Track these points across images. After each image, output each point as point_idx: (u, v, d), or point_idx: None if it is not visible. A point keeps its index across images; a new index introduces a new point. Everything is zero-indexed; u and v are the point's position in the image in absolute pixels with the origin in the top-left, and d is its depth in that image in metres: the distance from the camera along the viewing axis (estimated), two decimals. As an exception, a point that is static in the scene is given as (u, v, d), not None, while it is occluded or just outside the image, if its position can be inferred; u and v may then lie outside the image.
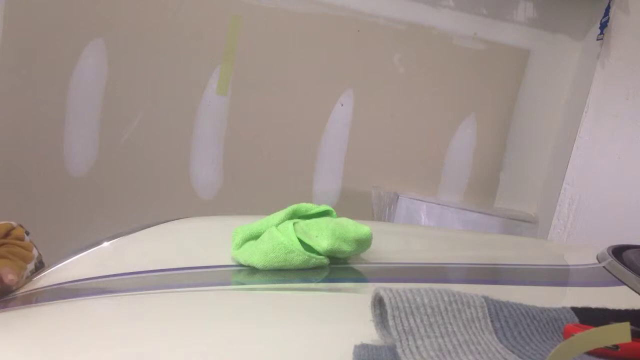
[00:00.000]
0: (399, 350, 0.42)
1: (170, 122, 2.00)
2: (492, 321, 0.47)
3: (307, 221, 0.78)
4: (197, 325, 0.54)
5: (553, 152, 2.09)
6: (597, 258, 0.94)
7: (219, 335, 0.52)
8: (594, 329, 0.38)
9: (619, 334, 0.37)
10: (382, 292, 0.46)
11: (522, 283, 0.83)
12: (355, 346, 0.45)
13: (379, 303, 0.47)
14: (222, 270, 0.76)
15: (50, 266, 0.80)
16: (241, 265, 0.75)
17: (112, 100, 1.97)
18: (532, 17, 2.03)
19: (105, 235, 0.87)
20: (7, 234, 0.84)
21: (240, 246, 0.77)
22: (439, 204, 1.99)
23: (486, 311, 0.47)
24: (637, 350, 0.45)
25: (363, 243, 0.78)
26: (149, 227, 0.90)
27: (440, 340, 0.43)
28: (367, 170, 2.09)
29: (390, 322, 0.44)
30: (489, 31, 2.03)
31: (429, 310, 0.45)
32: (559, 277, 0.92)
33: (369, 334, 0.47)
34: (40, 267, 0.85)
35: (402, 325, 0.43)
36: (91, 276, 0.73)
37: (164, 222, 0.92)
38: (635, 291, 0.75)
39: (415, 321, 0.44)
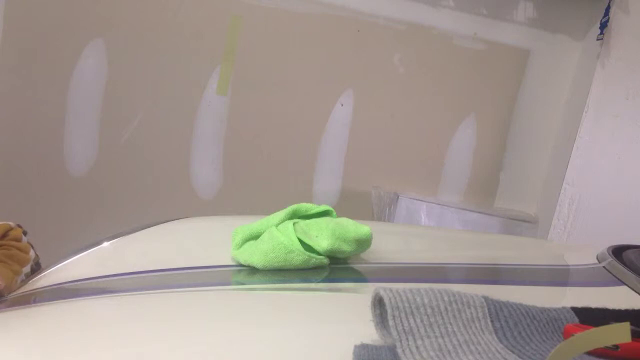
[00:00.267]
0: (399, 350, 0.42)
1: (170, 122, 2.00)
2: (492, 321, 0.47)
3: (307, 221, 0.78)
4: (197, 325, 0.54)
5: (553, 152, 2.09)
6: (597, 258, 0.94)
7: (219, 335, 0.52)
8: (594, 329, 0.38)
9: (619, 334, 0.37)
10: (382, 292, 0.46)
11: (522, 283, 0.83)
12: (355, 346, 0.45)
13: (379, 303, 0.47)
14: (222, 270, 0.76)
15: (50, 266, 0.80)
16: (241, 265, 0.75)
17: (112, 100, 1.97)
18: (532, 17, 2.03)
19: (105, 235, 0.87)
20: (4, 235, 0.84)
21: (240, 246, 0.77)
22: (439, 204, 1.99)
23: (486, 311, 0.47)
24: (637, 350, 0.45)
25: (363, 243, 0.78)
26: (149, 227, 0.90)
27: (440, 340, 0.43)
28: (367, 170, 2.09)
29: (390, 322, 0.44)
30: (489, 31, 2.04)
31: (429, 310, 0.45)
32: (559, 277, 0.92)
33: (369, 334, 0.47)
34: (36, 269, 0.85)
35: (402, 325, 0.43)
36: (91, 276, 0.73)
37: (164, 222, 0.92)
38: (635, 291, 0.75)
39: (415, 321, 0.44)
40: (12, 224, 0.87)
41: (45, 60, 1.92)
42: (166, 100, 1.99)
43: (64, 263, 0.79)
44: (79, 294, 0.71)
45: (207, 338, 0.51)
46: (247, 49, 1.99)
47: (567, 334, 0.48)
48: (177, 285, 0.71)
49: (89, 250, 0.81)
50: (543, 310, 0.50)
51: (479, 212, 1.98)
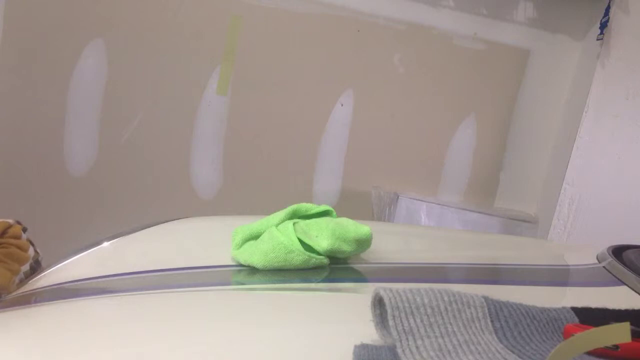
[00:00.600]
0: (399, 350, 0.42)
1: (170, 122, 2.00)
2: (492, 321, 0.47)
3: (307, 221, 0.78)
4: (197, 325, 0.54)
5: (553, 152, 2.09)
6: (597, 258, 0.94)
7: (219, 335, 0.52)
8: (594, 329, 0.38)
9: (619, 334, 0.37)
10: (382, 292, 0.46)
11: (522, 283, 0.83)
12: (355, 346, 0.45)
13: (379, 303, 0.47)
14: (222, 270, 0.76)
15: (50, 266, 0.80)
16: (241, 265, 0.75)
17: (112, 100, 1.97)
18: (532, 17, 2.03)
19: (105, 235, 0.87)
20: (3, 233, 0.83)
21: (240, 246, 0.77)
22: (439, 204, 1.99)
23: (486, 311, 0.47)
24: (637, 350, 0.45)
25: (363, 243, 0.78)
26: (149, 227, 0.90)
27: (440, 340, 0.43)
28: (367, 170, 2.09)
29: (390, 322, 0.44)
30: (489, 31, 2.04)
31: (429, 310, 0.45)
32: (559, 277, 0.92)
33: (369, 334, 0.47)
34: (36, 267, 0.84)
35: (402, 325, 0.43)
36: (91, 276, 0.73)
37: (164, 222, 0.92)
38: (635, 291, 0.75)
39: (415, 321, 0.44)
40: (11, 221, 0.86)
41: (45, 60, 1.92)
42: (166, 100, 1.99)
43: (64, 263, 0.79)
44: (79, 294, 0.71)
45: (207, 338, 0.51)
46: (247, 49, 1.99)
47: (567, 334, 0.48)
48: (177, 285, 0.71)
49: (89, 250, 0.81)
50: (543, 310, 0.50)
51: (479, 212, 1.98)
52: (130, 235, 0.85)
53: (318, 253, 0.73)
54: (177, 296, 0.66)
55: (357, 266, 0.79)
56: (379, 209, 2.01)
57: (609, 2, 1.85)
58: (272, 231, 0.75)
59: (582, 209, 1.91)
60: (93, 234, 0.92)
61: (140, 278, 0.73)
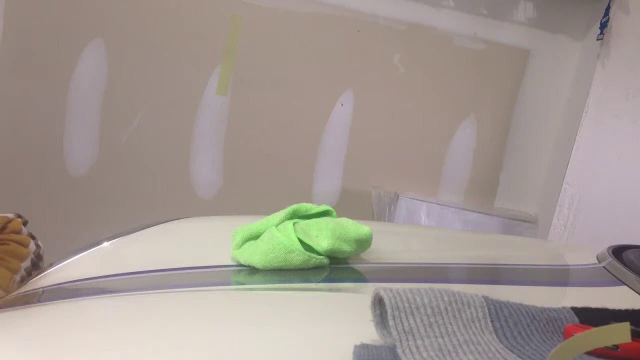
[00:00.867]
0: (399, 350, 0.42)
1: (170, 122, 2.00)
2: (492, 321, 0.47)
3: (307, 221, 0.78)
4: (197, 325, 0.54)
5: (553, 152, 2.09)
6: (597, 258, 0.94)
7: (219, 335, 0.52)
8: (594, 329, 0.38)
9: (619, 334, 0.37)
10: (382, 292, 0.46)
11: (522, 283, 0.83)
12: (355, 346, 0.45)
13: (379, 303, 0.47)
14: (222, 270, 0.76)
15: (50, 266, 0.80)
16: (241, 265, 0.75)
17: (112, 100, 1.97)
18: (532, 17, 2.03)
19: (105, 235, 0.87)
20: (3, 228, 0.82)
21: (240, 246, 0.77)
22: (439, 204, 1.99)
23: (486, 311, 0.47)
24: (637, 350, 0.45)
25: (363, 243, 0.78)
26: (149, 227, 0.90)
27: (440, 340, 0.43)
28: (367, 170, 2.09)
29: (390, 322, 0.44)
30: (489, 31, 2.04)
31: (429, 310, 0.45)
32: (559, 277, 0.92)
33: (369, 334, 0.47)
34: (37, 261, 0.83)
35: (402, 325, 0.43)
36: (91, 276, 0.73)
37: (164, 222, 0.92)
38: (635, 291, 0.75)
39: (415, 321, 0.44)
40: (10, 215, 0.84)
41: (45, 60, 1.92)
42: (166, 100, 1.99)
43: (64, 263, 0.79)
44: (79, 294, 0.71)
45: (207, 338, 0.51)
46: (247, 49, 1.99)
47: (567, 334, 0.48)
48: (177, 285, 0.71)
49: (89, 250, 0.81)
50: (543, 310, 0.50)
51: (479, 212, 1.98)
52: (130, 235, 0.85)
53: (318, 253, 0.73)
54: (177, 296, 0.66)
55: (357, 266, 0.79)
56: (379, 209, 2.01)
57: (609, 2, 1.85)
58: (272, 231, 0.75)
59: (582, 209, 1.91)
60: (93, 234, 0.92)
61: (140, 278, 0.73)
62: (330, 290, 0.73)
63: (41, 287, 0.72)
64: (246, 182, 2.05)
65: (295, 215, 0.81)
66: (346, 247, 0.75)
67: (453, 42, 2.04)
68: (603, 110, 1.88)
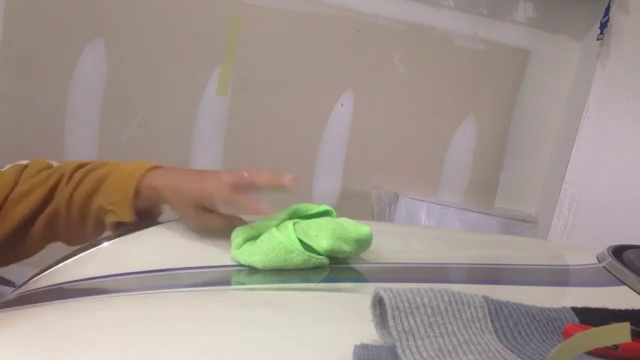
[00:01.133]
0: (399, 350, 0.42)
1: (170, 122, 2.00)
2: (492, 321, 0.47)
3: (307, 221, 0.78)
4: (197, 325, 0.54)
5: (553, 152, 2.09)
6: (597, 258, 0.94)
7: (219, 336, 0.52)
8: (594, 329, 0.38)
9: (619, 334, 0.37)
10: (382, 292, 0.46)
11: (522, 283, 0.83)
12: (355, 346, 0.45)
13: (379, 303, 0.47)
14: (222, 270, 0.76)
15: (50, 266, 0.80)
16: (241, 265, 0.75)
17: (112, 100, 1.97)
18: (532, 17, 2.03)
19: (105, 235, 0.87)
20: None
21: (240, 246, 0.77)
22: (439, 204, 1.99)
23: (486, 311, 0.47)
24: (637, 350, 0.45)
25: (363, 243, 0.78)
26: (149, 227, 0.90)
27: (440, 340, 0.43)
28: (367, 170, 2.09)
29: (390, 322, 0.44)
30: (489, 31, 2.04)
31: (429, 310, 0.45)
32: (559, 277, 0.92)
33: (369, 334, 0.47)
34: None
35: (402, 325, 0.43)
36: (91, 276, 0.73)
37: (164, 222, 0.92)
38: (635, 291, 0.75)
39: (415, 321, 0.44)
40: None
41: (45, 60, 1.92)
42: (166, 100, 1.99)
43: (64, 263, 0.79)
44: (79, 294, 0.71)
45: (207, 338, 0.51)
46: (247, 49, 1.99)
47: (567, 334, 0.48)
48: (177, 286, 0.71)
49: (89, 250, 0.81)
50: (543, 310, 0.50)
51: (479, 212, 1.98)
52: (130, 235, 0.85)
53: (318, 253, 0.73)
54: (177, 296, 0.66)
55: (357, 266, 0.79)
56: (379, 209, 2.01)
57: (609, 2, 1.85)
58: (272, 231, 0.75)
59: (582, 209, 1.91)
60: (93, 234, 0.92)
61: (140, 278, 0.73)
62: (330, 290, 0.73)
63: (41, 287, 0.72)
64: (246, 182, 2.05)
65: (295, 215, 0.81)
66: (346, 247, 0.75)
67: (453, 42, 2.04)
68: (603, 110, 1.88)
